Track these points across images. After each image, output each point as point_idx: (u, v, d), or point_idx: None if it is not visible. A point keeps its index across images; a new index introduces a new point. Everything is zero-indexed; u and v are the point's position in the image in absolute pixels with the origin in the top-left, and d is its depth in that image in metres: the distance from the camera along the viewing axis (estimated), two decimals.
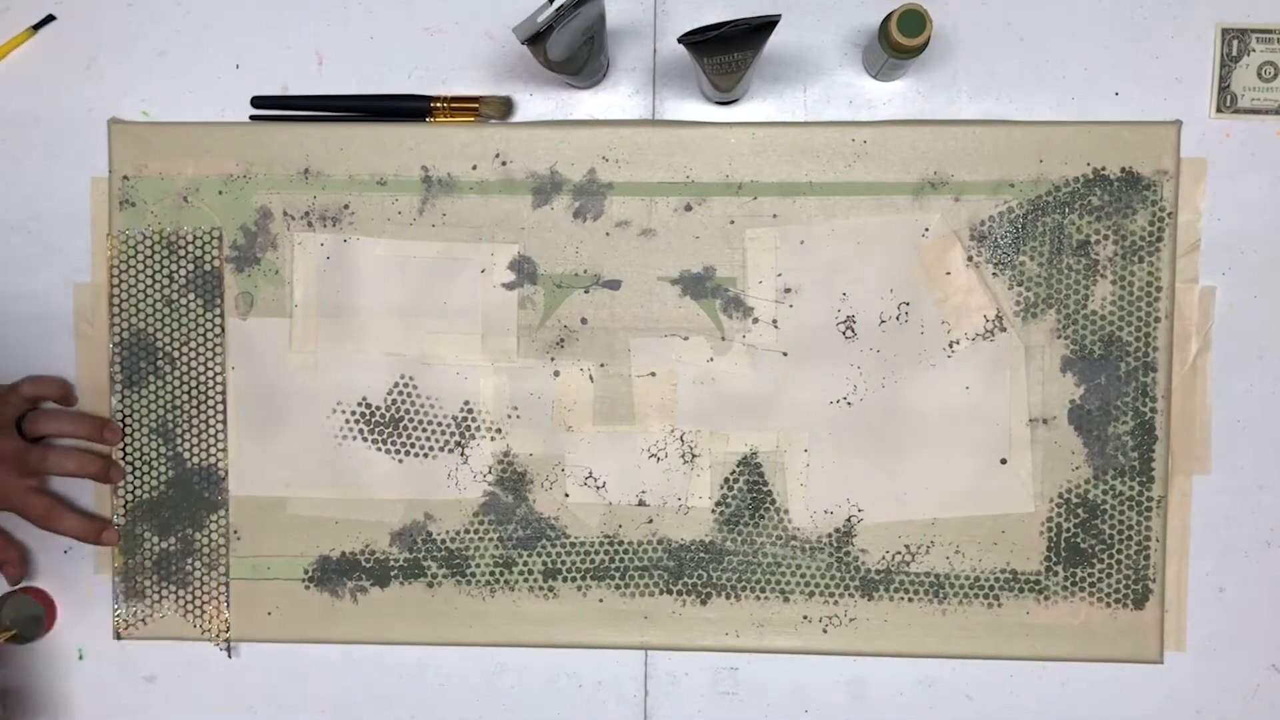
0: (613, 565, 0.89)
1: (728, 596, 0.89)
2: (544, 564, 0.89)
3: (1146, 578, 0.87)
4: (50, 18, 0.89)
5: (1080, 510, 0.87)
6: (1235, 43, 0.86)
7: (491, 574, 0.89)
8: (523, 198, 0.88)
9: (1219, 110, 0.87)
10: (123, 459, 0.89)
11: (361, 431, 0.89)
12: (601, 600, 0.89)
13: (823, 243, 0.87)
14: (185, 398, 0.89)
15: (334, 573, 0.90)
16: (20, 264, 0.90)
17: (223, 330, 0.89)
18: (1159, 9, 0.87)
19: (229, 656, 0.91)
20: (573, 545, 0.89)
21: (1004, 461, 0.87)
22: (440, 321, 0.88)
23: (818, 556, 0.88)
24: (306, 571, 0.90)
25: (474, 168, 0.88)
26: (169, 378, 0.89)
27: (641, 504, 0.89)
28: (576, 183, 0.87)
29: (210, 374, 0.89)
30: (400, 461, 0.89)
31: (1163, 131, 0.86)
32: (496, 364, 0.88)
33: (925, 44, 0.79)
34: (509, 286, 0.88)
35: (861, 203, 0.87)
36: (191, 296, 0.89)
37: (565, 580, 0.89)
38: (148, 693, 0.91)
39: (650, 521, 0.89)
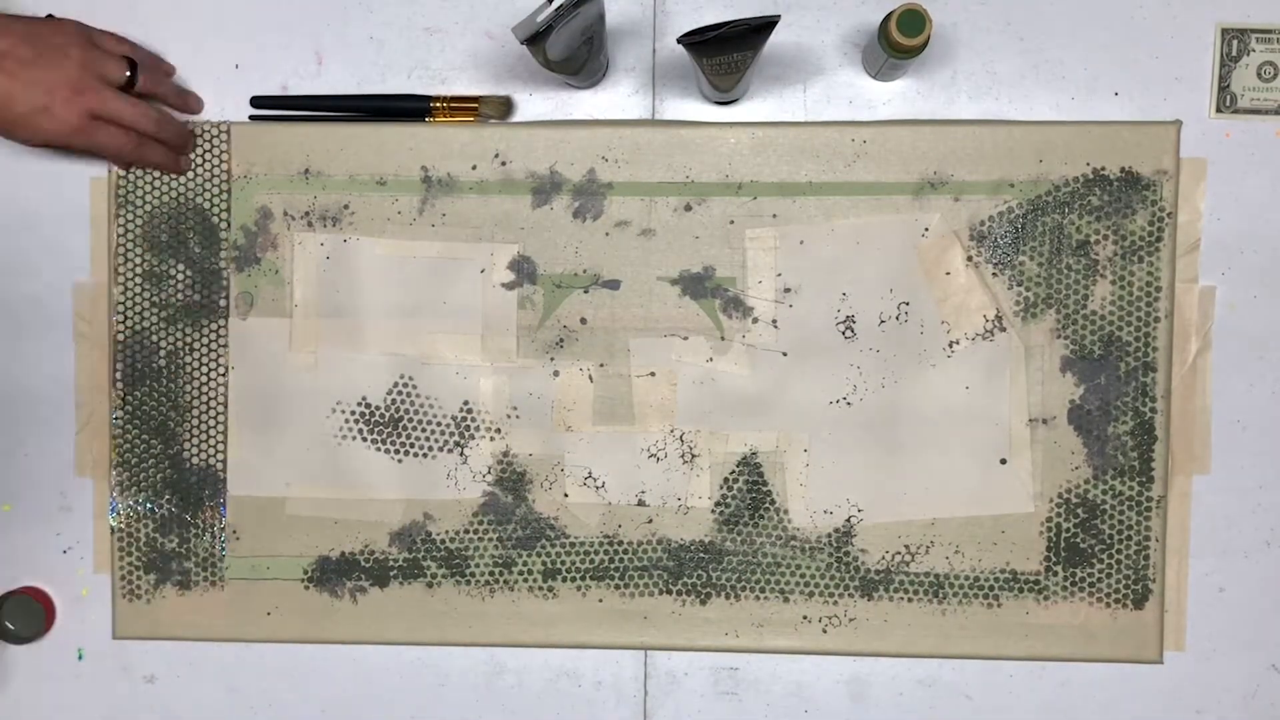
0: (612, 565, 0.89)
1: (727, 596, 0.89)
2: (543, 564, 0.89)
3: (1146, 578, 0.87)
4: (50, 18, 0.89)
5: (1080, 510, 0.87)
6: (1235, 43, 0.86)
7: (491, 574, 0.89)
8: (522, 198, 0.88)
9: (1219, 110, 0.87)
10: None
11: (361, 431, 0.89)
12: (601, 600, 0.89)
13: (823, 243, 0.87)
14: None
15: (333, 573, 0.90)
16: (20, 264, 0.90)
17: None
18: (1159, 9, 0.87)
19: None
20: (572, 545, 0.89)
21: (1004, 461, 0.87)
22: (440, 321, 0.88)
23: (817, 556, 0.88)
24: (306, 571, 0.90)
25: (474, 168, 0.88)
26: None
27: (641, 504, 0.89)
28: (576, 183, 0.87)
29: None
30: (400, 461, 0.89)
31: (1162, 131, 0.86)
32: (496, 364, 0.88)
33: (925, 44, 0.79)
34: (509, 286, 0.88)
35: (861, 203, 0.87)
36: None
37: (565, 580, 0.89)
38: (147, 693, 0.91)
39: (650, 521, 0.89)
